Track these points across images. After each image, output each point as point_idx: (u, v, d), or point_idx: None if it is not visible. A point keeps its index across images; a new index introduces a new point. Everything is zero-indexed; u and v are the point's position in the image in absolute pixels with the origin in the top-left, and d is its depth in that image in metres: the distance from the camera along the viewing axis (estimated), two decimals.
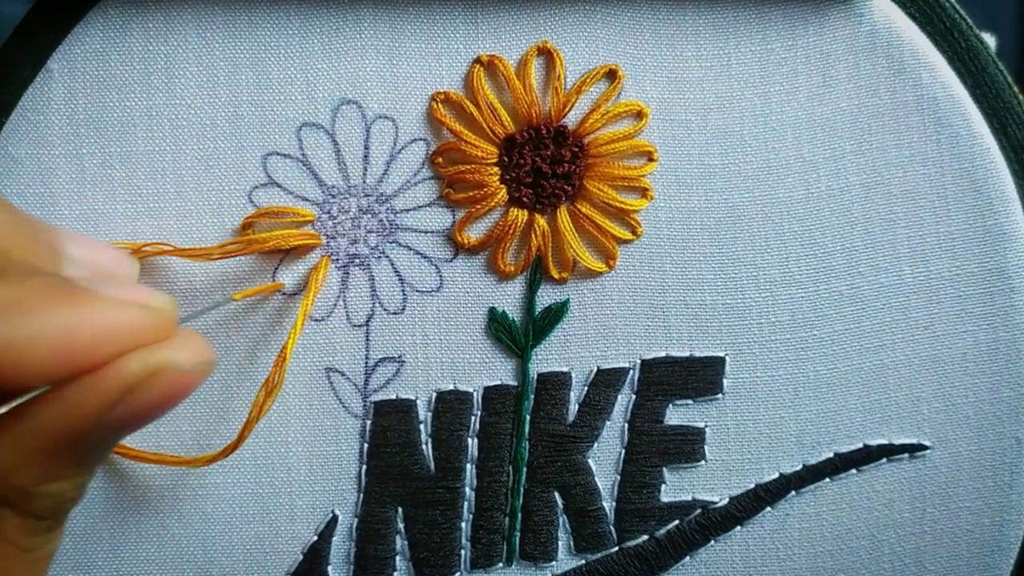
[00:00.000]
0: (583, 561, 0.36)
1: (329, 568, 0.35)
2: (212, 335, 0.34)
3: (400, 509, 0.35)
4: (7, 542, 0.23)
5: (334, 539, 0.35)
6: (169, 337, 0.24)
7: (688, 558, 0.36)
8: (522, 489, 0.36)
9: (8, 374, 0.22)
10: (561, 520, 0.36)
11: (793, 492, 0.36)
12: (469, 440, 0.36)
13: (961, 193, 0.35)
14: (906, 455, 0.36)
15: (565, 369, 0.35)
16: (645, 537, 0.36)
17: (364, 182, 0.34)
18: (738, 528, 0.36)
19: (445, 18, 0.34)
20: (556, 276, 0.35)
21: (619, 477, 0.36)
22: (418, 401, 0.35)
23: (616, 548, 0.36)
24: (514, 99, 0.34)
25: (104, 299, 0.23)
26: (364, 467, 0.35)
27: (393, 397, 0.35)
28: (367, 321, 0.35)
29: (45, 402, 0.23)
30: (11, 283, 0.23)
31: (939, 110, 0.35)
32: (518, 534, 0.36)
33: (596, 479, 0.36)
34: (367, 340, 0.35)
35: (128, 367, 0.23)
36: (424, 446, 0.35)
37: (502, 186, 0.34)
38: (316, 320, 0.35)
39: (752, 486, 0.36)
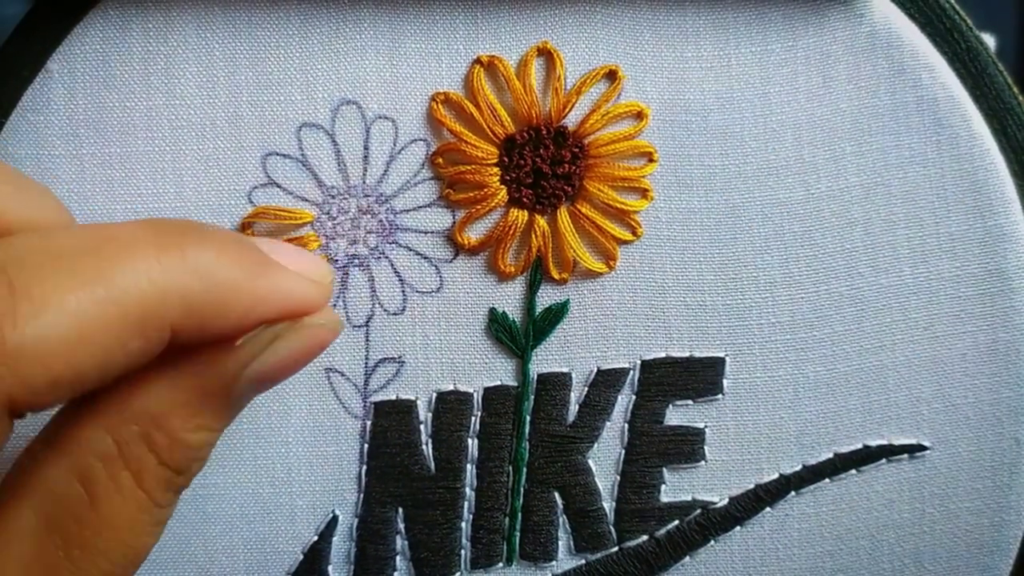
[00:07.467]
0: (583, 561, 0.36)
1: (329, 568, 0.35)
2: None
3: (400, 509, 0.36)
4: (145, 491, 0.24)
5: (334, 539, 0.35)
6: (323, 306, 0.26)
7: (688, 558, 0.36)
8: (522, 489, 0.36)
9: (212, 323, 0.23)
10: (561, 520, 0.36)
11: (793, 492, 0.36)
12: (469, 440, 0.36)
13: (961, 194, 0.35)
14: (906, 455, 0.36)
15: (565, 370, 0.35)
16: (645, 537, 0.36)
17: (364, 182, 0.34)
18: (738, 528, 0.36)
19: (445, 19, 0.34)
20: (556, 277, 0.35)
21: (619, 477, 0.36)
22: (418, 401, 0.35)
23: (616, 548, 0.36)
24: (514, 100, 0.34)
25: (287, 273, 0.25)
26: (364, 467, 0.35)
27: (393, 398, 0.35)
28: (367, 322, 0.35)
29: (202, 349, 0.24)
30: (234, 243, 0.24)
31: (939, 111, 0.35)
32: (518, 534, 0.36)
33: (596, 479, 0.36)
34: (367, 341, 0.35)
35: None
36: (424, 446, 0.35)
37: (502, 187, 0.34)
38: None
39: (752, 486, 0.36)
